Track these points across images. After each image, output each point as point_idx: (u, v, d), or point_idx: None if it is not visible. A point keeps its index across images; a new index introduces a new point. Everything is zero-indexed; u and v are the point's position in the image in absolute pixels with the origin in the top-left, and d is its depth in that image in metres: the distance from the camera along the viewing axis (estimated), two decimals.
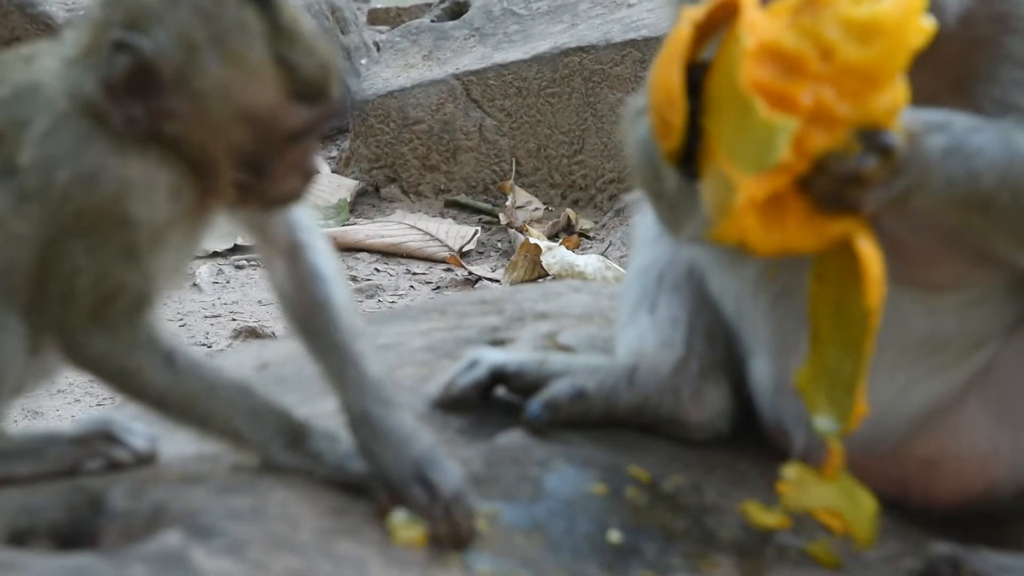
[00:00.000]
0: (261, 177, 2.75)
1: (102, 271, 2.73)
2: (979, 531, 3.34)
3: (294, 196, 2.80)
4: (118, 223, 2.73)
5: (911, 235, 3.24)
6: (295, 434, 2.86)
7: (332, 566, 2.76)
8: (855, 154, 2.86)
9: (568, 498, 3.15)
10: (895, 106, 2.86)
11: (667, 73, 2.85)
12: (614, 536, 3.07)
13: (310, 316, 2.93)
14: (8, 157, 2.75)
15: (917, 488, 3.38)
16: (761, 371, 3.45)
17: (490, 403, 3.44)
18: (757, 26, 2.80)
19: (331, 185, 5.35)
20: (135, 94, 2.71)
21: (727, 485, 3.35)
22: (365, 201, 5.43)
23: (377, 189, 5.41)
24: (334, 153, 5.60)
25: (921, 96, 3.10)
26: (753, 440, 3.50)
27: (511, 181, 5.62)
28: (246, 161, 2.74)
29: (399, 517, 2.91)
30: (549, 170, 5.66)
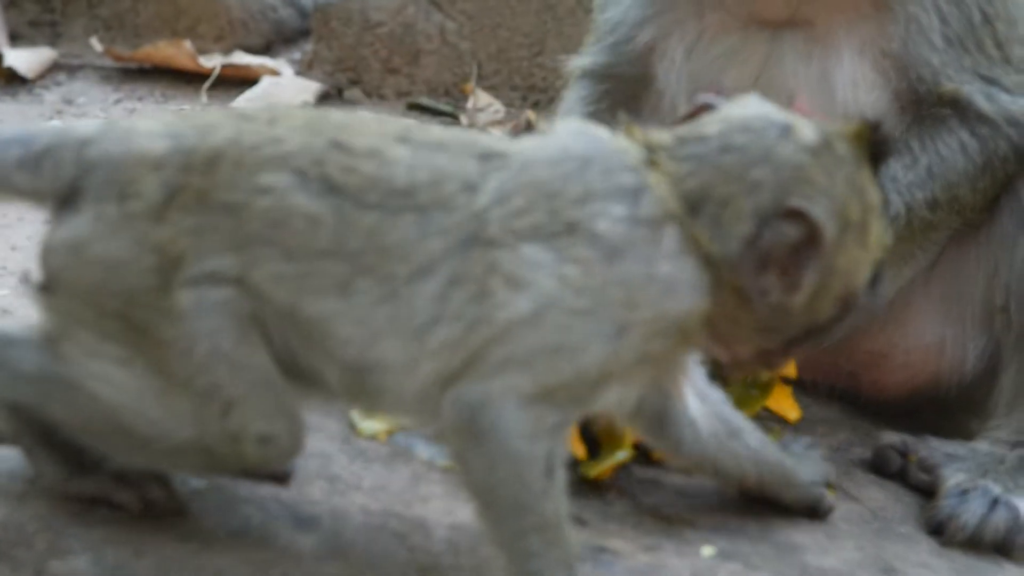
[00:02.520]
0: (780, 351, 2.57)
1: (607, 369, 2.43)
2: (926, 420, 3.42)
3: (757, 370, 2.65)
4: (664, 333, 2.45)
5: None
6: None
7: (298, 460, 2.79)
8: None
9: None
10: None
11: None
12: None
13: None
14: (559, 221, 2.44)
15: (867, 380, 3.46)
16: None
17: None
18: None
19: (294, 88, 5.37)
20: (785, 264, 2.46)
21: None
22: (328, 103, 5.44)
23: (340, 92, 5.42)
24: (297, 56, 5.59)
25: (842, 10, 3.17)
26: None
27: (472, 84, 5.64)
28: (794, 340, 2.55)
29: (358, 414, 2.97)
30: (510, 73, 5.67)
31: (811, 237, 2.45)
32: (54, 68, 5.26)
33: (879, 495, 3.21)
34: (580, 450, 2.98)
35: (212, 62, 5.31)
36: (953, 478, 3.20)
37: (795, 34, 3.23)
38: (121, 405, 2.48)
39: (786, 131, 2.50)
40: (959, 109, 3.21)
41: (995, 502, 3.15)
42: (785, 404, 3.39)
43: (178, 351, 2.43)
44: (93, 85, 5.17)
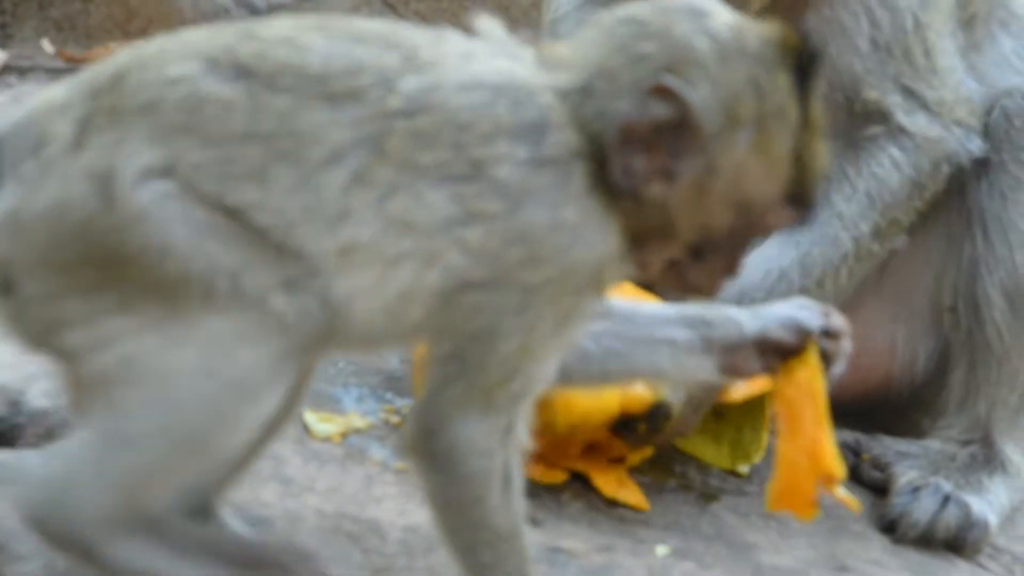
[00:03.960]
0: (696, 263, 2.43)
1: (527, 343, 2.34)
2: (878, 419, 3.44)
3: (711, 290, 2.47)
4: (574, 288, 2.35)
5: None
6: None
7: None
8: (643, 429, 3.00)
9: None
10: None
11: None
12: None
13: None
14: (464, 158, 2.34)
15: None
16: None
17: None
18: None
19: None
20: (652, 146, 2.34)
21: None
22: None
23: None
24: None
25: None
26: None
27: None
28: (699, 244, 2.41)
29: (313, 416, 2.97)
30: None
31: (681, 120, 2.33)
32: (4, 70, 5.23)
33: None
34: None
35: None
36: (905, 476, 3.22)
37: None
38: (153, 353, 2.33)
39: (698, 14, 2.39)
40: (884, 122, 3.22)
41: (946, 499, 3.18)
42: None
43: (157, 254, 2.32)
44: (44, 86, 5.15)
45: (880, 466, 3.27)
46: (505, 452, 2.37)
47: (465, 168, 2.34)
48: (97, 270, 2.34)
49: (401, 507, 2.81)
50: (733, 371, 2.58)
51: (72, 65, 5.25)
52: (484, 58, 2.40)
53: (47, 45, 5.35)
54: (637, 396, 2.94)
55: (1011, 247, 3.24)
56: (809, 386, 2.58)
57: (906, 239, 3.32)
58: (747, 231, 2.40)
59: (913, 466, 3.24)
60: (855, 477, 3.28)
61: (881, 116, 3.21)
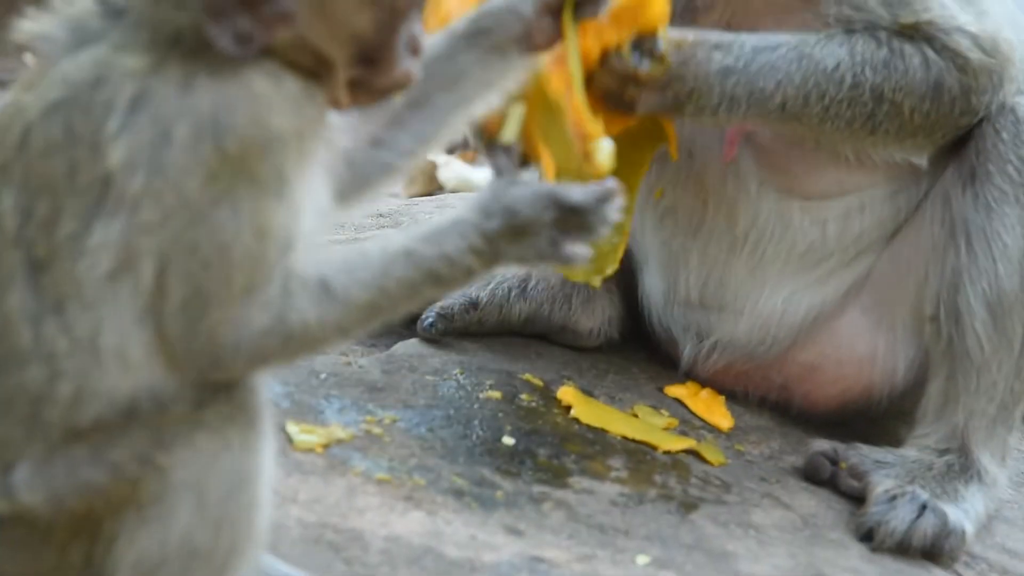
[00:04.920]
0: (376, 67, 2.37)
1: (258, 225, 2.24)
2: (856, 427, 3.46)
3: (409, 79, 2.41)
4: (261, 151, 2.26)
5: (788, 146, 3.33)
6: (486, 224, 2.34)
7: None
8: (630, 57, 2.98)
9: (463, 405, 3.22)
10: (662, 19, 2.98)
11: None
12: (508, 440, 3.14)
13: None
14: (96, 174, 2.24)
15: (799, 392, 3.50)
16: (651, 283, 3.53)
17: None
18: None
19: None
20: (243, 3, 2.26)
21: (618, 390, 3.45)
22: None
23: None
24: None
25: (775, 8, 3.19)
26: (643, 347, 3.60)
27: None
28: (363, 52, 2.35)
29: (295, 427, 2.98)
30: None
31: None
32: None
33: (810, 502, 3.25)
34: None
35: None
36: (882, 484, 3.23)
37: None
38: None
39: None
40: (927, 36, 3.16)
41: (923, 508, 3.19)
42: (717, 413, 3.43)
43: None
44: None
45: (857, 475, 3.29)
46: (292, 302, 2.26)
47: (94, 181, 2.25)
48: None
49: (383, 518, 2.82)
50: (540, 46, 2.59)
51: None
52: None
53: (30, 59, 5.35)
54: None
55: (994, 258, 3.26)
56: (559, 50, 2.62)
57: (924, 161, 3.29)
58: (398, 11, 2.35)
59: (890, 475, 3.26)
60: (833, 486, 3.30)
61: (927, 33, 3.17)
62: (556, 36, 2.61)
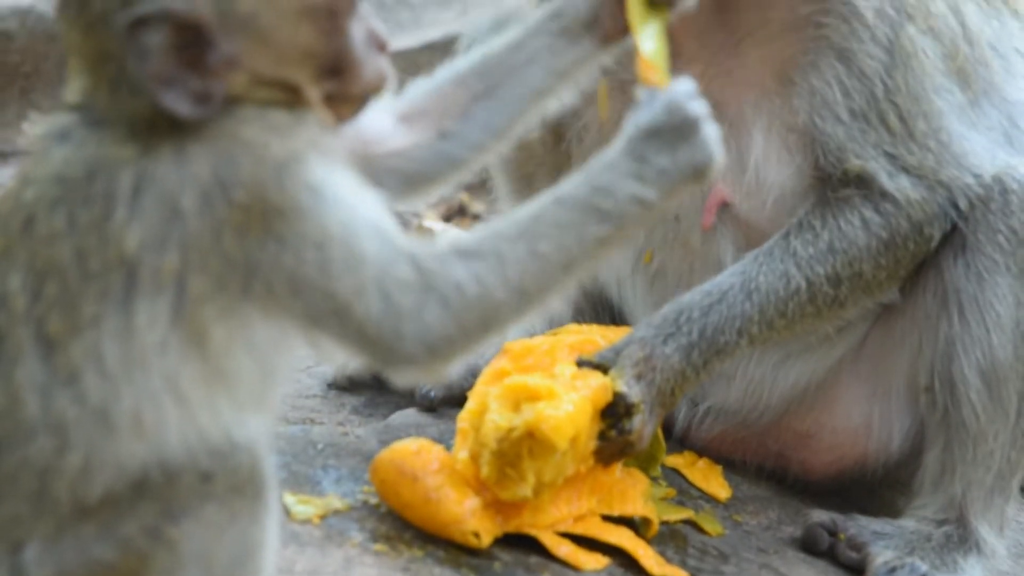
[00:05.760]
0: (345, 76, 2.36)
1: (315, 239, 2.27)
2: (853, 497, 3.45)
3: (383, 77, 2.40)
4: (273, 184, 2.27)
5: (768, 218, 3.34)
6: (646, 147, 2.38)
7: None
8: (612, 435, 3.01)
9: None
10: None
11: None
12: None
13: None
14: (110, 261, 2.27)
15: (795, 460, 3.49)
16: None
17: (384, 383, 3.50)
18: None
19: None
20: (186, 65, 2.27)
21: None
22: None
23: None
24: None
25: (749, 87, 3.23)
26: None
27: None
28: (324, 65, 2.35)
29: (292, 498, 2.97)
30: None
31: (180, 25, 2.26)
32: None
33: (809, 573, 3.23)
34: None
35: None
36: (881, 556, 3.23)
37: None
38: None
39: None
40: (863, 186, 3.24)
41: None
42: (715, 483, 3.42)
43: None
44: None
45: (856, 546, 3.28)
46: (429, 267, 2.30)
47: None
48: None
49: None
50: (609, 34, 2.59)
51: None
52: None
53: (29, 129, 5.37)
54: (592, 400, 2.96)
55: (987, 328, 3.26)
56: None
57: (898, 295, 3.33)
58: (340, 15, 2.35)
59: (889, 546, 3.25)
60: (832, 557, 3.29)
61: (864, 181, 3.24)
62: (624, 22, 2.58)
